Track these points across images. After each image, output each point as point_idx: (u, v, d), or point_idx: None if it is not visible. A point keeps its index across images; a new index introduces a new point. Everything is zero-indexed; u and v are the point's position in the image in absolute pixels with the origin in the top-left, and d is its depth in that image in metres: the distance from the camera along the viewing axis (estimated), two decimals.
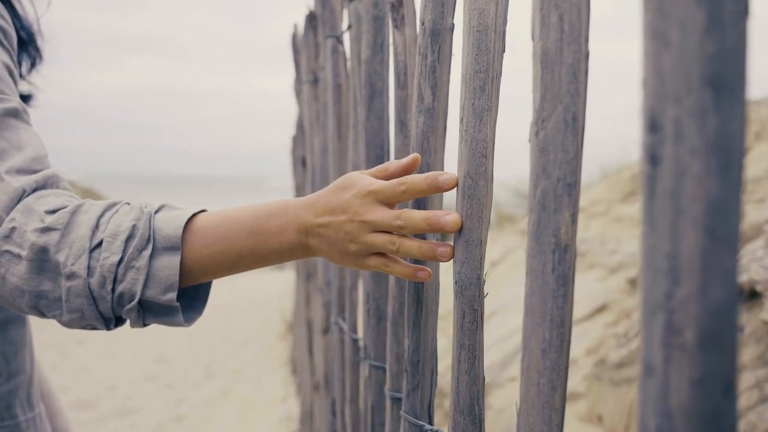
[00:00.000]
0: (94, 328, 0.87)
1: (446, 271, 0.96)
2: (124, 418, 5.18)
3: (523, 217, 6.74)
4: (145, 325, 0.87)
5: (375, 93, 1.10)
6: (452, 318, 0.69)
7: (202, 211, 0.88)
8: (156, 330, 8.31)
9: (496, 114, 0.64)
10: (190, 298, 0.92)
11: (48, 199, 0.85)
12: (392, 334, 0.97)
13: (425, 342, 0.82)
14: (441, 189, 0.78)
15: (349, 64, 1.54)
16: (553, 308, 0.48)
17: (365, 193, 0.80)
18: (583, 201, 4.93)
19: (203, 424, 4.99)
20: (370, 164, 1.13)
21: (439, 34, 0.80)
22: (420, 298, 0.82)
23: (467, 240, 0.68)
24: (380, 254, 0.83)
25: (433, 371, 0.85)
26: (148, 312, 0.85)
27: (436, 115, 0.80)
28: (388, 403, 1.00)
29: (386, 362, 1.09)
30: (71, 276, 0.81)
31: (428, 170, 0.85)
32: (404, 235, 0.80)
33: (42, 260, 0.82)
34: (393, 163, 0.85)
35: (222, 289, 11.63)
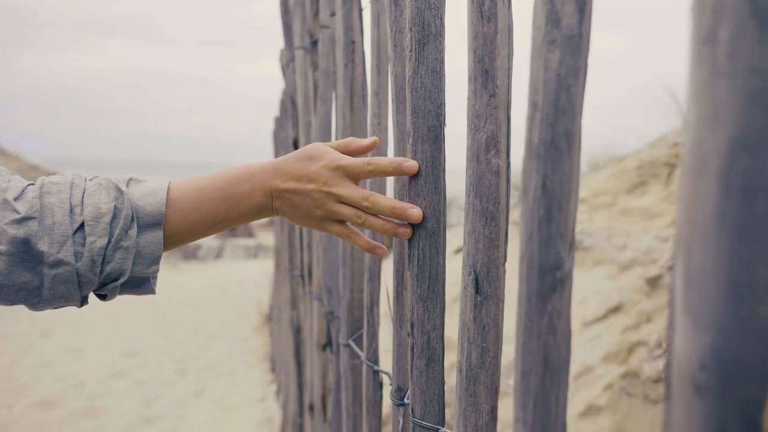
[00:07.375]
0: (63, 306, 0.87)
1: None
2: (89, 419, 4.82)
3: (514, 207, 6.50)
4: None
5: (428, 37, 0.76)
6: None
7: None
8: (126, 322, 7.96)
9: None
10: None
11: None
12: (467, 396, 0.63)
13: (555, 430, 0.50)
14: (404, 173, 0.84)
15: (365, 13, 1.20)
16: None
17: (334, 166, 0.85)
18: (584, 191, 4.64)
19: (175, 426, 4.64)
20: (418, 140, 0.80)
21: None
22: (548, 359, 0.48)
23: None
24: (342, 223, 0.90)
25: None
26: (125, 285, 0.87)
27: (581, 47, 0.47)
28: None
29: (444, 425, 0.75)
30: (57, 264, 0.81)
31: (555, 157, 0.52)
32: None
33: (23, 252, 0.80)
34: (355, 140, 0.90)
35: (195, 278, 11.15)
